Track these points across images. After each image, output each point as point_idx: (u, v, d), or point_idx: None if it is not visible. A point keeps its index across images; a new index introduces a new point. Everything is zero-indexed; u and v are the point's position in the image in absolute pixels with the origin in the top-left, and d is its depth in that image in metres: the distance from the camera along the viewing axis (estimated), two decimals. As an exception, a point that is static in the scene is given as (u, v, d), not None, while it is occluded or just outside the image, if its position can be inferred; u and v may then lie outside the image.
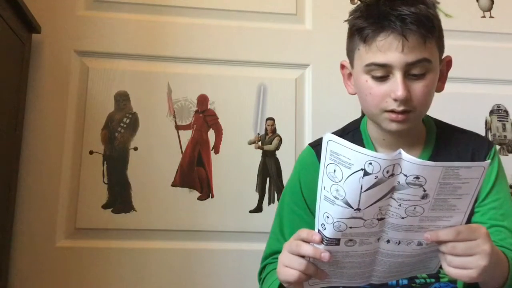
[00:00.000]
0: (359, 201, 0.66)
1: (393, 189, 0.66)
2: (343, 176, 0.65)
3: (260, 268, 1.00)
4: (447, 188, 0.66)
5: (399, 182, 0.66)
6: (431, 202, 0.67)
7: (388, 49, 0.84)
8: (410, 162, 0.64)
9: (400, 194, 0.67)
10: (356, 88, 0.94)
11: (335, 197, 0.67)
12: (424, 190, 0.66)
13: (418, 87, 0.86)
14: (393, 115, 0.87)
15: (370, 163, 0.63)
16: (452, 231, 0.69)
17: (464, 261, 0.69)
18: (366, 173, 0.64)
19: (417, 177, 0.65)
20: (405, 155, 0.63)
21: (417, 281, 0.91)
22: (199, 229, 1.42)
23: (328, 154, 0.66)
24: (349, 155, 0.64)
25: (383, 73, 0.86)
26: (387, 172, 0.64)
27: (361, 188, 0.65)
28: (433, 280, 0.92)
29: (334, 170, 0.66)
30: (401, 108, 0.85)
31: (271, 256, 0.98)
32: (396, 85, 0.84)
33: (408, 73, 0.85)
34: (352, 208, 0.67)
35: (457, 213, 0.69)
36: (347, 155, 0.64)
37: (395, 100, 0.85)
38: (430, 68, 0.86)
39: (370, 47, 0.86)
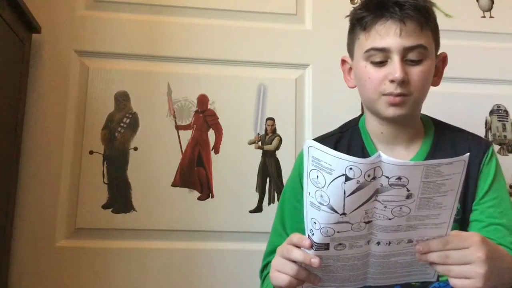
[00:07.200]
0: (344, 206, 0.66)
1: (376, 192, 0.66)
2: (325, 181, 0.65)
3: (262, 265, 1.00)
4: (431, 186, 0.66)
5: (382, 185, 0.66)
6: (417, 201, 0.67)
7: (387, 34, 0.88)
8: (390, 163, 0.64)
9: (385, 196, 0.67)
10: (355, 77, 0.97)
11: (320, 203, 0.67)
12: (408, 190, 0.66)
13: (415, 71, 0.89)
14: (391, 98, 0.89)
15: (351, 168, 0.64)
16: (441, 240, 0.69)
17: (463, 269, 0.69)
18: (347, 178, 0.64)
19: (399, 178, 0.65)
20: (384, 157, 0.63)
21: (417, 279, 0.92)
22: (199, 229, 1.42)
23: (310, 160, 0.66)
24: (330, 160, 0.64)
25: (381, 58, 0.89)
26: (369, 175, 0.64)
27: (345, 193, 0.65)
28: (433, 278, 0.92)
29: (317, 176, 0.66)
30: (398, 91, 0.88)
31: (273, 253, 0.98)
32: (394, 67, 0.88)
33: (406, 58, 0.89)
34: (338, 213, 0.67)
35: (444, 211, 0.69)
36: (327, 161, 0.64)
37: (393, 81, 0.88)
38: (427, 55, 0.90)
39: (369, 34, 0.90)
